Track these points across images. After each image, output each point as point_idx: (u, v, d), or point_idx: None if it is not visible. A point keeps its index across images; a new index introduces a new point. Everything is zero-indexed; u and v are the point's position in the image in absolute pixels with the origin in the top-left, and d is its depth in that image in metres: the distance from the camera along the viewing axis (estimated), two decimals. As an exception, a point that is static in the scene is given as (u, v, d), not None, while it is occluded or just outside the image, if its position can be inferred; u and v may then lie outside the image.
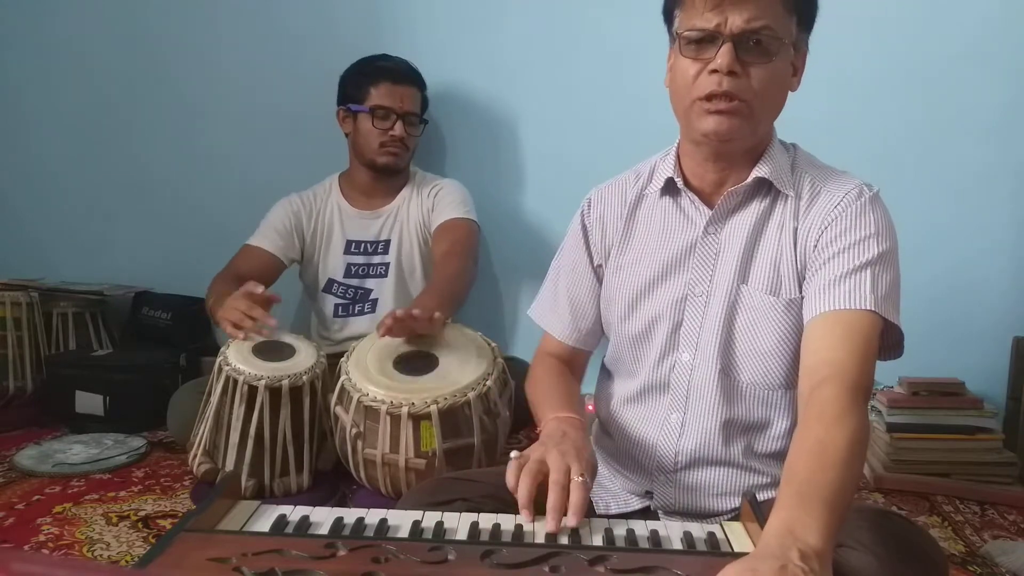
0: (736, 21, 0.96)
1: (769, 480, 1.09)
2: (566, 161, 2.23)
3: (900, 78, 2.01)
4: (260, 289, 1.68)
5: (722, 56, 0.97)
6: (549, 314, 1.25)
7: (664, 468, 1.11)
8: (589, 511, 1.12)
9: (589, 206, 1.21)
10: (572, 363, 1.26)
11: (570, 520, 0.87)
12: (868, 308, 0.95)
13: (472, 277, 1.91)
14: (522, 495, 0.91)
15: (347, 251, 2.06)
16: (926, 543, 0.92)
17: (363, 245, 2.06)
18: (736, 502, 1.08)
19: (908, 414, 1.92)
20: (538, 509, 0.91)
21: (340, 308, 2.07)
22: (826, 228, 1.01)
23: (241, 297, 1.67)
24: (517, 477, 0.93)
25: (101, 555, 1.42)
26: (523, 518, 0.89)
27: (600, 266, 1.20)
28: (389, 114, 1.97)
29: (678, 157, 1.11)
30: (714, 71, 0.97)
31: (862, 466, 0.83)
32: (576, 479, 0.91)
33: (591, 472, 0.97)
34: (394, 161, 2.00)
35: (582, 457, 0.96)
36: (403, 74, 2.01)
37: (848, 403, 0.88)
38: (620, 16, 2.12)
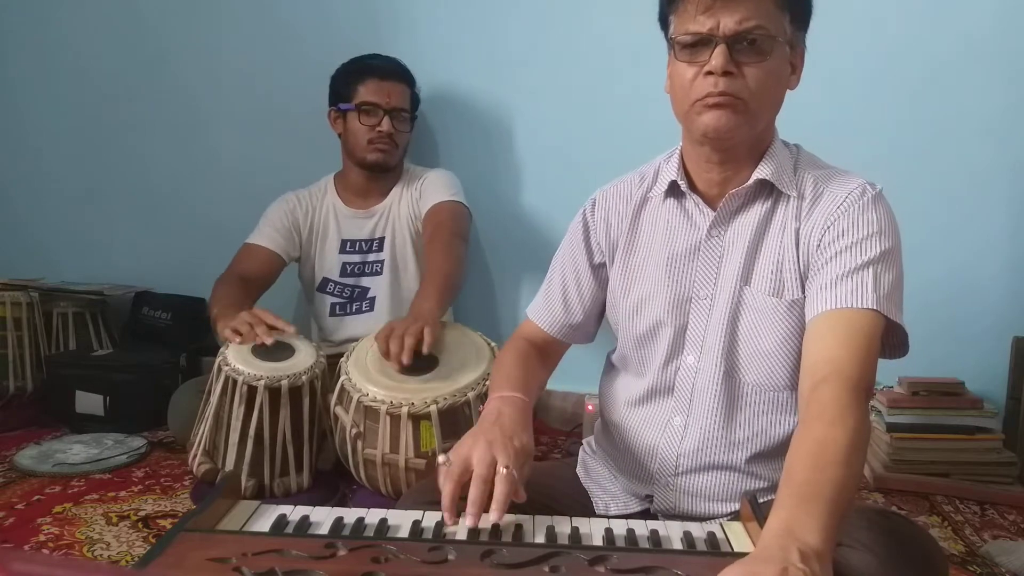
0: (728, 23, 0.97)
1: (769, 485, 1.08)
2: (565, 159, 2.23)
3: (898, 79, 2.01)
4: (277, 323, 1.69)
5: (716, 58, 0.97)
6: (541, 305, 1.26)
7: (665, 472, 1.11)
8: (587, 513, 1.13)
9: (594, 206, 1.21)
10: (546, 350, 1.25)
11: (491, 516, 0.87)
12: (870, 307, 0.94)
13: (461, 257, 1.88)
14: (444, 502, 0.91)
15: (343, 250, 2.06)
16: (926, 542, 0.92)
17: (358, 244, 2.06)
18: (736, 507, 1.07)
19: (908, 414, 1.92)
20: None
21: (337, 307, 2.07)
22: (828, 228, 1.01)
23: (248, 314, 1.69)
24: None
25: (101, 555, 1.42)
26: (446, 520, 0.89)
27: (602, 264, 1.20)
28: (376, 110, 1.97)
29: (682, 159, 1.12)
30: (709, 73, 0.98)
31: (862, 465, 0.83)
32: (501, 471, 0.91)
33: (519, 459, 0.96)
34: (383, 158, 1.99)
35: (510, 445, 0.96)
36: (390, 70, 2.00)
37: (848, 402, 0.87)
38: (619, 15, 2.12)
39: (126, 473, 1.84)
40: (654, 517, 1.12)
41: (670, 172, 1.11)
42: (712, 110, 0.99)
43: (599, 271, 1.20)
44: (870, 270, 0.97)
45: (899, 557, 0.85)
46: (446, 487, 0.92)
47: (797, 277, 1.04)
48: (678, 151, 1.13)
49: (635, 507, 1.14)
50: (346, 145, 2.04)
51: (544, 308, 1.25)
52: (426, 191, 2.03)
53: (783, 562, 0.68)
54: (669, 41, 1.05)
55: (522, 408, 1.06)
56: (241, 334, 1.65)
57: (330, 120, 2.05)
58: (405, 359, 1.55)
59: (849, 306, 0.95)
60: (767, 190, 1.07)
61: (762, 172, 1.05)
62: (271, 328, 1.67)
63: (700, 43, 0.99)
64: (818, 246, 1.02)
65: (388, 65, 2.01)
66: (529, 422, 1.04)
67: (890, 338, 1.00)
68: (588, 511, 1.14)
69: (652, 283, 1.13)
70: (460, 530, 0.87)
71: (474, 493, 0.90)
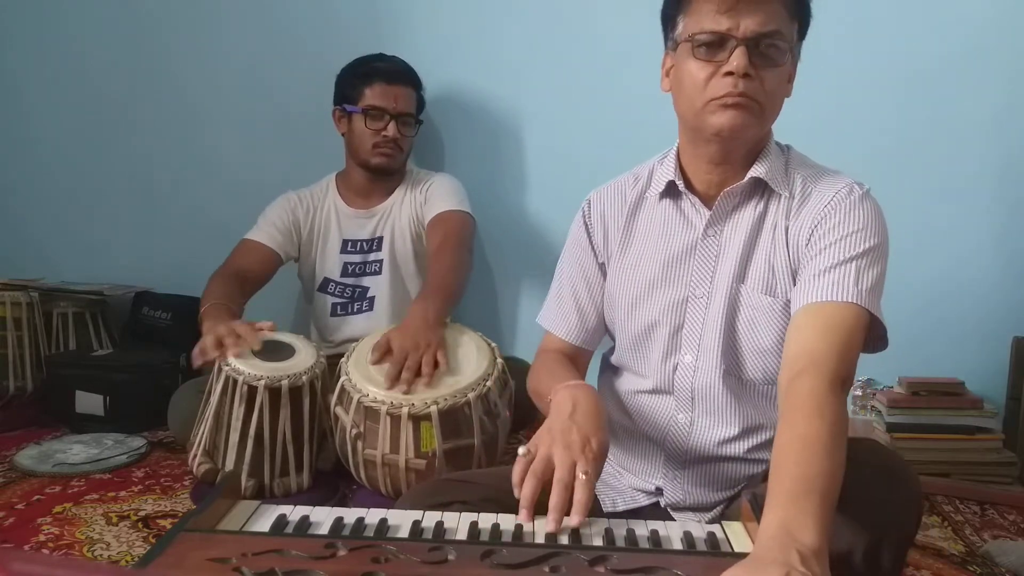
0: (749, 25, 0.97)
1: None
2: (568, 161, 2.23)
3: (895, 80, 2.01)
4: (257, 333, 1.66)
5: (737, 58, 0.97)
6: (555, 315, 1.25)
7: (673, 466, 1.13)
8: (595, 510, 1.13)
9: (589, 206, 1.21)
10: (574, 361, 1.25)
11: (572, 519, 0.88)
12: (850, 301, 0.95)
13: (467, 267, 1.89)
14: (526, 497, 0.91)
15: (343, 250, 2.06)
16: (897, 464, 0.96)
17: (359, 244, 2.06)
18: (737, 490, 1.10)
19: (908, 414, 1.92)
20: (542, 508, 0.90)
21: (338, 307, 2.07)
22: (816, 225, 1.03)
23: (228, 329, 1.64)
24: (523, 477, 0.93)
25: (101, 555, 1.42)
26: (522, 518, 0.89)
27: (604, 264, 1.20)
28: (382, 114, 1.97)
29: (678, 160, 1.12)
30: (728, 73, 0.98)
31: (844, 455, 0.84)
32: (580, 476, 0.91)
33: (598, 464, 0.96)
34: (387, 162, 2.00)
35: (588, 449, 0.96)
36: (397, 74, 2.00)
37: (825, 394, 0.88)
38: (621, 15, 2.12)
39: (126, 473, 1.85)
40: (663, 511, 1.13)
41: (666, 172, 1.12)
42: (729, 110, 0.99)
43: (604, 270, 1.21)
44: (853, 265, 0.97)
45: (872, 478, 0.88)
46: (530, 484, 0.91)
47: (788, 275, 1.05)
48: (673, 152, 1.13)
49: (643, 501, 1.15)
50: (350, 146, 2.04)
51: (559, 318, 1.24)
52: (432, 197, 2.03)
53: (785, 565, 0.68)
54: (674, 40, 1.05)
55: (595, 398, 1.04)
56: (224, 346, 1.61)
57: (334, 119, 2.05)
58: (413, 391, 1.53)
59: (830, 299, 0.96)
60: (761, 189, 1.08)
61: (757, 171, 1.06)
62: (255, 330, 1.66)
63: (716, 43, 0.99)
64: (807, 244, 1.03)
65: (395, 68, 2.01)
66: (603, 413, 1.03)
67: (870, 332, 1.00)
68: (593, 509, 1.14)
69: (648, 283, 1.13)
70: (460, 530, 0.87)
71: (555, 499, 0.89)
